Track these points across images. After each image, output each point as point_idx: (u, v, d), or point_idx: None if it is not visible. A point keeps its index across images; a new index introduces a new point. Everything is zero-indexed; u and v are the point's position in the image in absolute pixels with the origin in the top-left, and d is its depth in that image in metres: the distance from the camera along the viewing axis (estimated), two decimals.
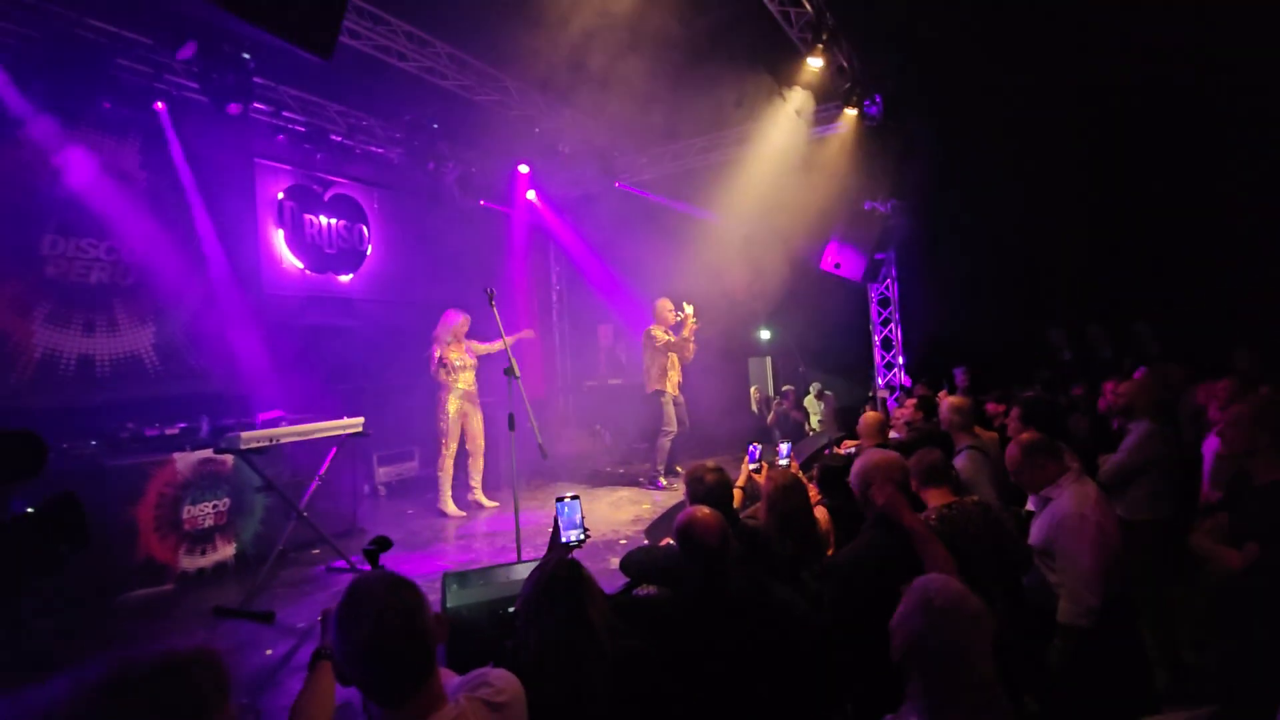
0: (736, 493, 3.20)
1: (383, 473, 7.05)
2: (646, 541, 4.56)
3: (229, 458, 4.58)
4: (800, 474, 3.37)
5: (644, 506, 5.76)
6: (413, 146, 7.70)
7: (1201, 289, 6.41)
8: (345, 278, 7.67)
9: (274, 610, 3.79)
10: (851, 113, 7.08)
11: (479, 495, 6.02)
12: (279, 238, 6.99)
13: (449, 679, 1.36)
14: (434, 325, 5.93)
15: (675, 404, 6.47)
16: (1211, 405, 3.75)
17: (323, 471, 4.65)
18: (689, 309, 6.38)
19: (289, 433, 4.37)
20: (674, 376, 6.48)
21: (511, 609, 2.03)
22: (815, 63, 6.30)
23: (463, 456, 5.95)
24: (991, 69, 6.67)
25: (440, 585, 2.83)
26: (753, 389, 9.91)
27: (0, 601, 1.80)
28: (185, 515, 4.46)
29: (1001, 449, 3.60)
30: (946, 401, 3.93)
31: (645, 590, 2.44)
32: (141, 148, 5.62)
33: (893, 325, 8.14)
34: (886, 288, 8.13)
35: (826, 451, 5.51)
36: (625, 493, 6.37)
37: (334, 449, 4.72)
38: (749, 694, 1.83)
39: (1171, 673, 2.99)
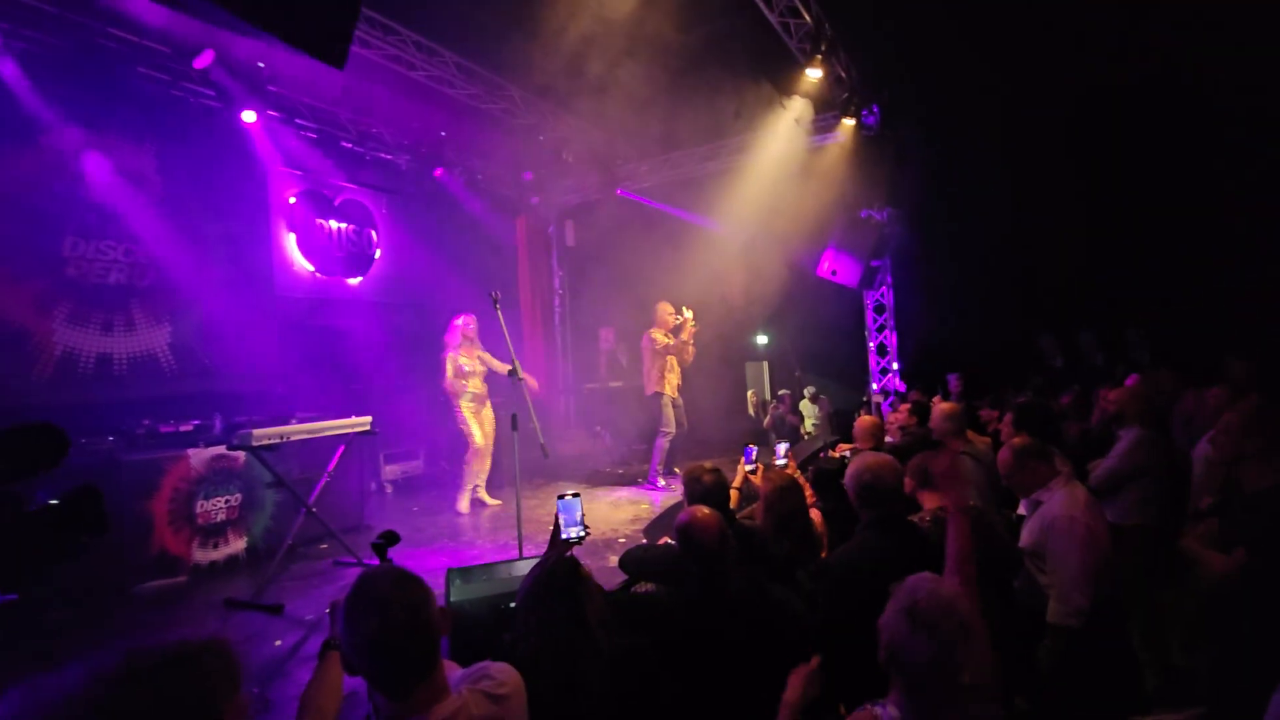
0: (732, 493, 3.23)
1: (389, 470, 7.17)
2: (645, 540, 4.66)
3: (241, 454, 4.69)
4: (798, 475, 3.43)
5: (642, 506, 5.87)
6: (420, 153, 7.86)
7: (1194, 295, 6.44)
8: (354, 281, 7.82)
9: (283, 603, 3.88)
10: (849, 122, 7.20)
11: (483, 493, 6.14)
12: (290, 241, 7.14)
13: (452, 671, 1.39)
14: (438, 327, 6.03)
15: (674, 406, 6.58)
16: (1201, 413, 3.78)
17: (331, 468, 4.77)
18: (688, 313, 6.49)
19: (299, 430, 4.47)
20: (673, 379, 6.59)
21: (513, 604, 2.12)
22: (814, 73, 6.42)
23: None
24: (986, 80, 6.78)
25: (444, 580, 2.94)
26: (750, 393, 10.01)
27: (25, 588, 1.91)
28: (198, 510, 4.58)
29: (994, 454, 3.71)
30: (938, 409, 3.94)
31: (644, 587, 2.53)
32: (159, 152, 5.76)
33: (887, 331, 8.23)
34: (882, 294, 8.23)
35: (822, 455, 5.62)
36: (624, 493, 6.47)
37: (342, 447, 4.83)
38: (744, 691, 1.86)
39: (1161, 675, 2.97)
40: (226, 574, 4.61)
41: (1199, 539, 2.61)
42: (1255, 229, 6.12)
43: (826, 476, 3.35)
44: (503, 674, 1.39)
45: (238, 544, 4.79)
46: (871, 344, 8.33)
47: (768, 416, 8.99)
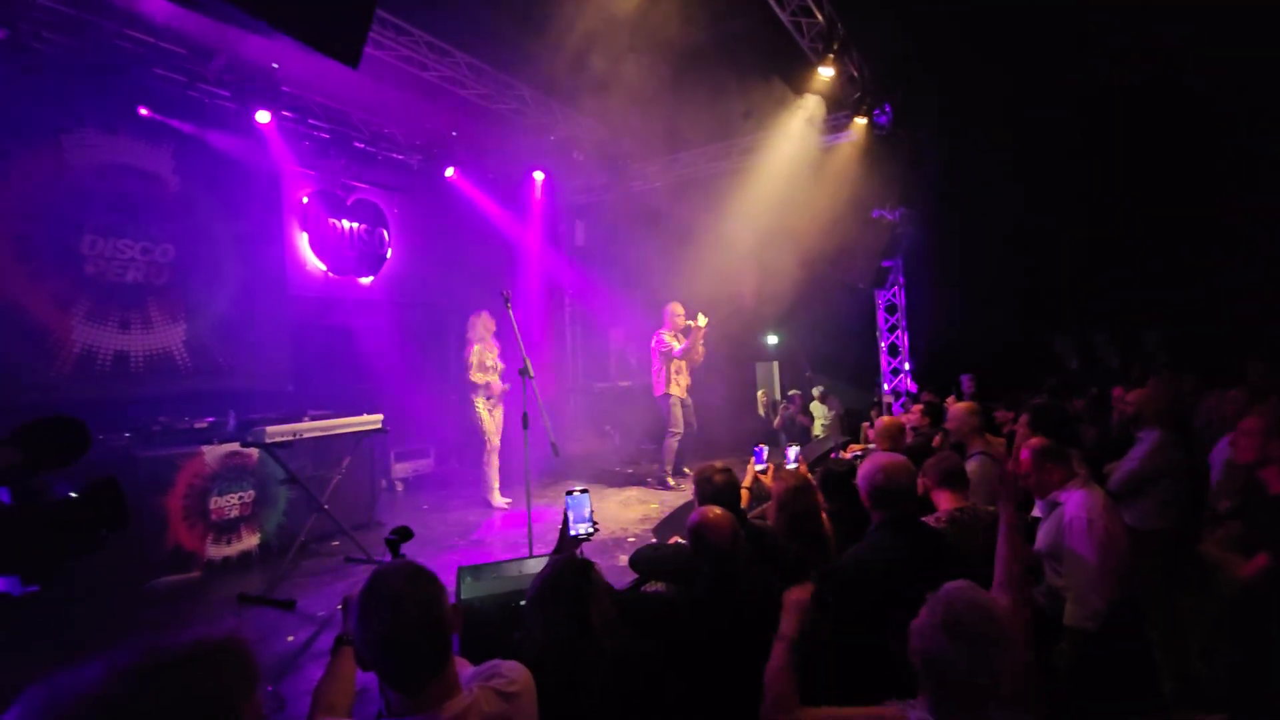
0: (743, 493, 3.24)
1: (399, 468, 7.22)
2: (655, 540, 4.66)
3: (254, 451, 4.74)
4: (809, 476, 3.42)
5: (652, 506, 5.87)
6: (432, 153, 7.91)
7: (1211, 296, 6.38)
8: (366, 280, 7.87)
9: (295, 599, 3.93)
10: (861, 122, 7.16)
11: (495, 494, 6.16)
12: (303, 241, 7.20)
13: (463, 668, 1.39)
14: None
15: (684, 406, 6.59)
16: (1220, 415, 3.72)
17: (344, 466, 4.81)
18: (702, 321, 6.44)
19: (311, 428, 4.51)
20: (682, 380, 6.60)
21: (523, 602, 2.12)
22: (826, 72, 6.40)
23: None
24: (999, 79, 6.73)
25: (455, 578, 2.96)
26: (760, 393, 9.98)
27: (47, 580, 1.93)
28: (212, 506, 4.64)
29: (1009, 456, 3.68)
30: (958, 406, 3.89)
31: (653, 587, 2.53)
32: (175, 153, 5.82)
33: (899, 332, 8.18)
34: (894, 294, 8.18)
35: (832, 455, 5.59)
36: (633, 492, 6.48)
37: (354, 445, 4.88)
38: (753, 691, 1.82)
39: (1180, 681, 2.95)
40: (240, 570, 4.67)
41: (1219, 543, 2.58)
42: (1270, 231, 6.05)
43: (835, 478, 3.34)
44: (513, 672, 1.40)
45: (251, 540, 4.84)
46: (883, 344, 8.28)
47: (778, 417, 8.96)
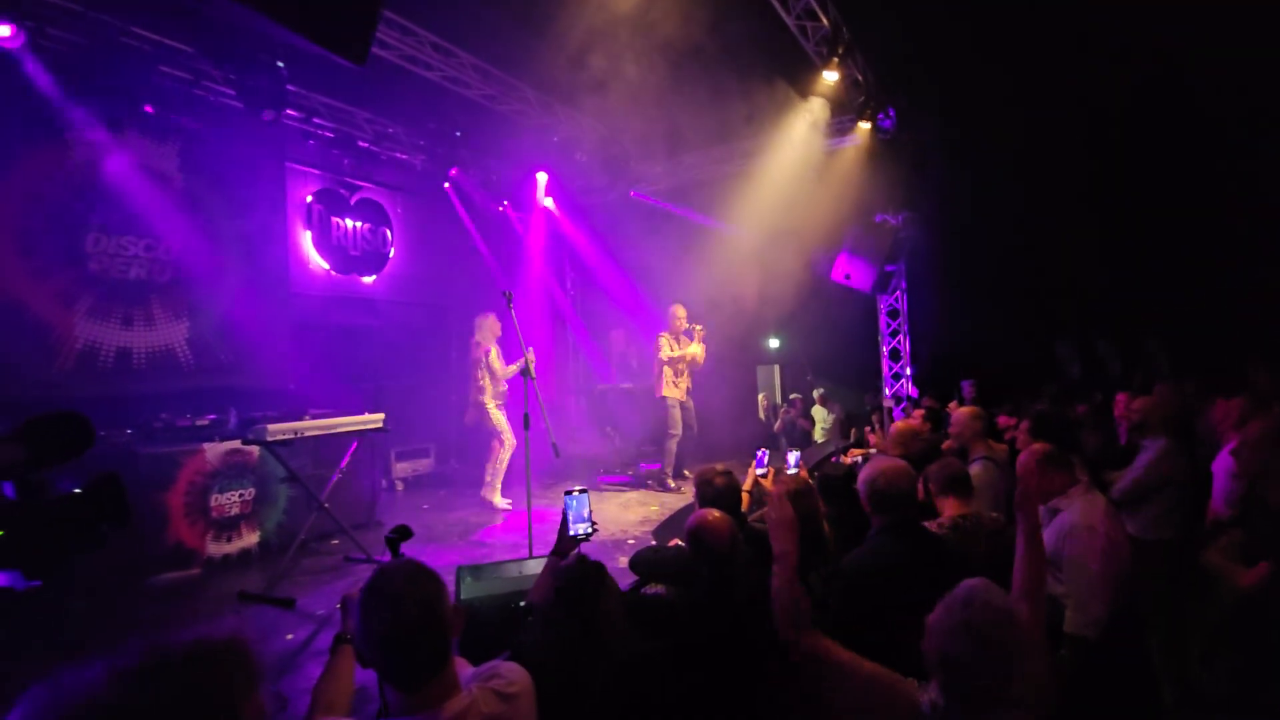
0: (744, 496, 3.23)
1: (400, 468, 7.22)
2: (654, 542, 4.66)
3: (255, 449, 4.74)
4: (809, 480, 3.42)
5: (652, 508, 5.87)
6: (436, 153, 7.92)
7: (1213, 302, 6.38)
8: (369, 279, 7.88)
9: (295, 597, 3.93)
10: (865, 126, 7.16)
11: (496, 495, 6.15)
12: (307, 239, 7.22)
13: (463, 669, 1.40)
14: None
15: (684, 409, 6.61)
16: (1223, 423, 3.70)
17: (344, 465, 4.81)
18: (695, 349, 6.59)
19: (313, 426, 4.52)
20: (682, 383, 6.64)
21: (523, 603, 2.12)
22: (831, 76, 6.41)
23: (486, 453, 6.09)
24: (1003, 84, 6.73)
25: (455, 577, 2.96)
26: (761, 396, 9.99)
27: (49, 575, 1.93)
28: (213, 503, 4.64)
29: (1011, 462, 3.67)
30: (962, 411, 3.87)
31: (653, 589, 2.53)
32: (180, 150, 5.84)
33: (901, 336, 8.18)
34: (896, 299, 8.18)
35: (833, 460, 5.60)
36: (633, 494, 6.48)
37: (355, 443, 4.88)
38: (752, 695, 1.85)
39: (1180, 688, 2.95)
40: (239, 567, 4.67)
41: (1221, 551, 2.57)
42: (1271, 235, 6.04)
43: (833, 482, 3.34)
44: (513, 673, 1.40)
45: (251, 538, 4.85)
46: (885, 349, 8.28)
47: (779, 420, 8.96)
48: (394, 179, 8.09)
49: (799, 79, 6.72)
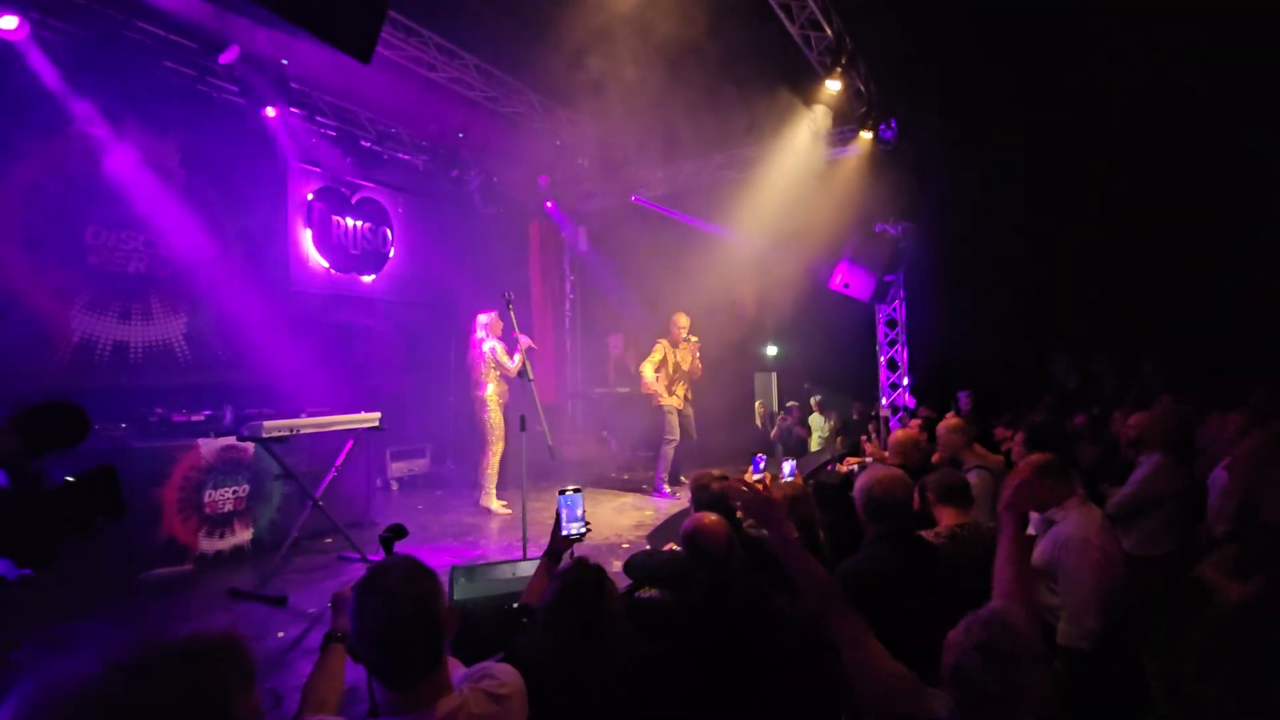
0: None
1: (395, 468, 7.20)
2: (649, 546, 4.66)
3: (250, 445, 4.73)
4: (806, 488, 3.42)
5: (647, 513, 5.86)
6: (438, 154, 7.94)
7: (1212, 318, 6.41)
8: (368, 278, 7.88)
9: (286, 595, 3.92)
10: (866, 136, 7.20)
11: (492, 498, 6.12)
12: (307, 237, 7.21)
13: (455, 669, 1.40)
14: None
15: (682, 416, 6.63)
16: (1221, 438, 3.69)
17: (339, 463, 4.80)
18: (692, 350, 6.62)
19: (308, 424, 4.51)
20: (678, 390, 6.65)
21: (515, 604, 2.11)
22: (834, 85, 6.45)
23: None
24: (1005, 98, 6.79)
25: (448, 578, 2.95)
26: (757, 403, 9.98)
27: (41, 565, 1.93)
28: (206, 499, 4.62)
29: (1007, 472, 3.67)
30: (941, 426, 3.93)
31: (647, 593, 2.53)
32: (182, 145, 5.84)
33: (899, 346, 8.20)
34: (894, 309, 8.20)
35: (829, 468, 5.60)
36: (629, 498, 6.47)
37: (350, 442, 4.87)
38: (747, 700, 1.86)
39: (1173, 702, 2.99)
40: (231, 564, 4.64)
41: (1216, 566, 2.58)
42: (1271, 250, 6.08)
43: (828, 490, 3.35)
44: (504, 674, 1.41)
45: (244, 535, 4.82)
46: (882, 358, 8.29)
47: (775, 428, 8.96)
48: (395, 179, 8.10)
49: (802, 88, 6.75)
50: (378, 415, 4.95)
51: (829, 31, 6.02)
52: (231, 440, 4.73)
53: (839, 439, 8.15)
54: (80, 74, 5.09)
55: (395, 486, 7.14)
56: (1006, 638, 1.33)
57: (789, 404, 9.07)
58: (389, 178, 8.04)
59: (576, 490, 2.34)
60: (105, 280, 5.32)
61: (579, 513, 2.30)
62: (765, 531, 2.81)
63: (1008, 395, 6.91)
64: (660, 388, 6.55)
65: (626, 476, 7.44)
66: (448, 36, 6.39)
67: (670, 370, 6.58)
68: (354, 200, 7.75)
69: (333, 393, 6.00)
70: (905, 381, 8.13)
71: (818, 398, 8.88)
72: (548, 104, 7.69)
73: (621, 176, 8.67)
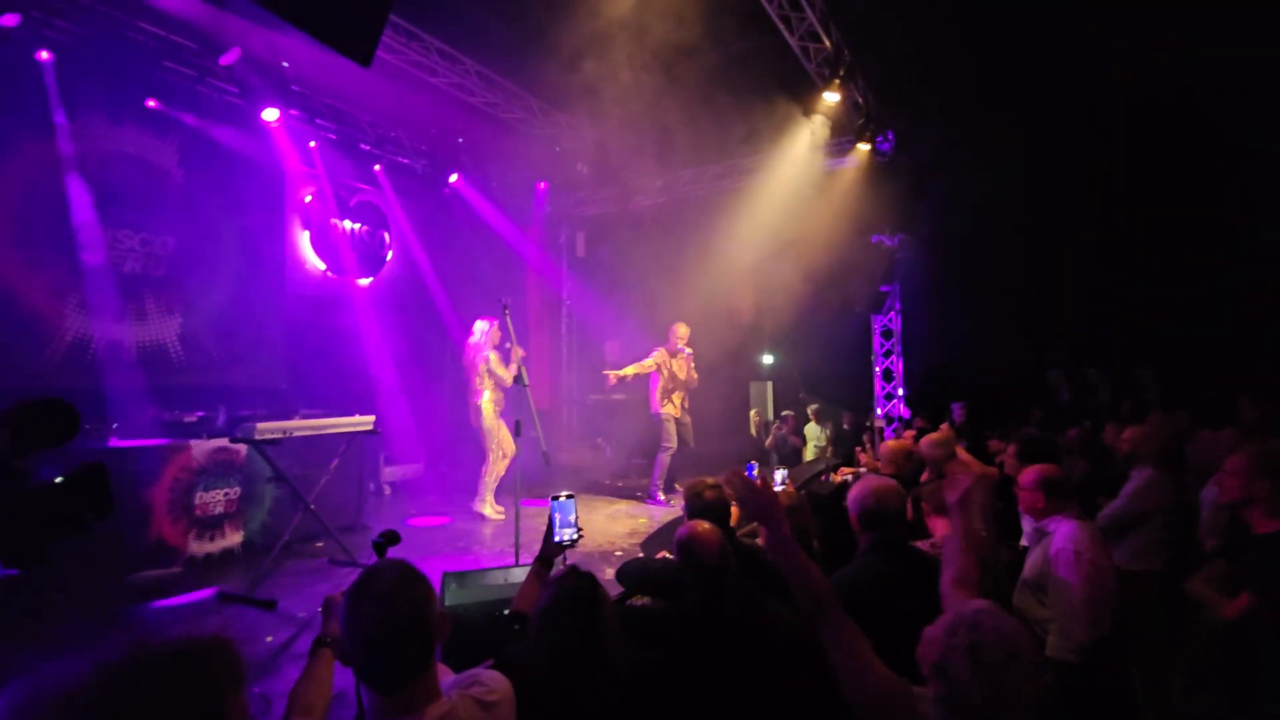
0: (733, 509, 3.28)
1: (388, 472, 7.17)
2: (642, 554, 4.64)
3: (242, 448, 4.70)
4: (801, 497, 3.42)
5: (640, 520, 5.85)
6: (437, 158, 7.96)
7: (1211, 320, 6.44)
8: (365, 281, 7.86)
9: (276, 599, 3.88)
10: (864, 148, 7.25)
11: (491, 504, 6.08)
12: (304, 239, 7.20)
13: (444, 675, 1.40)
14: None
15: (679, 425, 6.63)
16: (1213, 453, 3.71)
17: (332, 467, 4.77)
18: (686, 362, 6.66)
19: (302, 426, 4.49)
20: (676, 398, 6.66)
21: (507, 611, 2.10)
22: (832, 97, 6.49)
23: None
24: (1002, 111, 6.84)
25: (439, 584, 2.93)
26: (752, 412, 9.99)
27: (26, 564, 1.90)
28: (197, 501, 4.58)
29: (1001, 485, 3.68)
30: (925, 440, 3.92)
31: (640, 601, 2.51)
32: (180, 146, 5.83)
33: (894, 357, 8.23)
34: (890, 319, 8.23)
35: (822, 479, 5.60)
36: (623, 506, 6.46)
37: (344, 445, 4.85)
38: (741, 709, 1.85)
39: (1162, 717, 2.92)
40: (221, 567, 4.60)
41: (1206, 581, 2.58)
42: (1266, 268, 6.13)
43: (822, 500, 3.34)
44: (493, 681, 1.40)
45: (234, 538, 4.78)
46: (877, 369, 8.32)
47: (770, 437, 8.96)
48: (394, 182, 8.10)
49: (801, 96, 6.81)
50: (371, 419, 4.93)
51: (827, 43, 6.07)
52: (224, 442, 4.70)
53: (831, 449, 8.16)
54: (81, 72, 5.10)
55: (388, 491, 7.10)
56: (995, 639, 1.30)
57: (784, 413, 9.08)
58: (387, 181, 8.04)
59: (570, 496, 2.33)
60: (100, 279, 5.28)
61: (572, 519, 2.29)
62: (760, 533, 2.84)
63: (1002, 407, 6.93)
64: (657, 395, 6.55)
65: (621, 483, 7.43)
66: (449, 41, 6.42)
67: (666, 379, 6.58)
68: (352, 203, 7.75)
69: (327, 395, 5.98)
70: (900, 392, 8.15)
71: (815, 406, 8.89)
72: (547, 110, 7.72)
73: (620, 183, 8.70)
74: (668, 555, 2.76)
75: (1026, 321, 7.56)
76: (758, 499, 1.73)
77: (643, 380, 6.73)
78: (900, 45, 6.39)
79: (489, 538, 5.36)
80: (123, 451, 4.35)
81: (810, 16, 5.76)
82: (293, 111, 6.46)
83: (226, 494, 4.76)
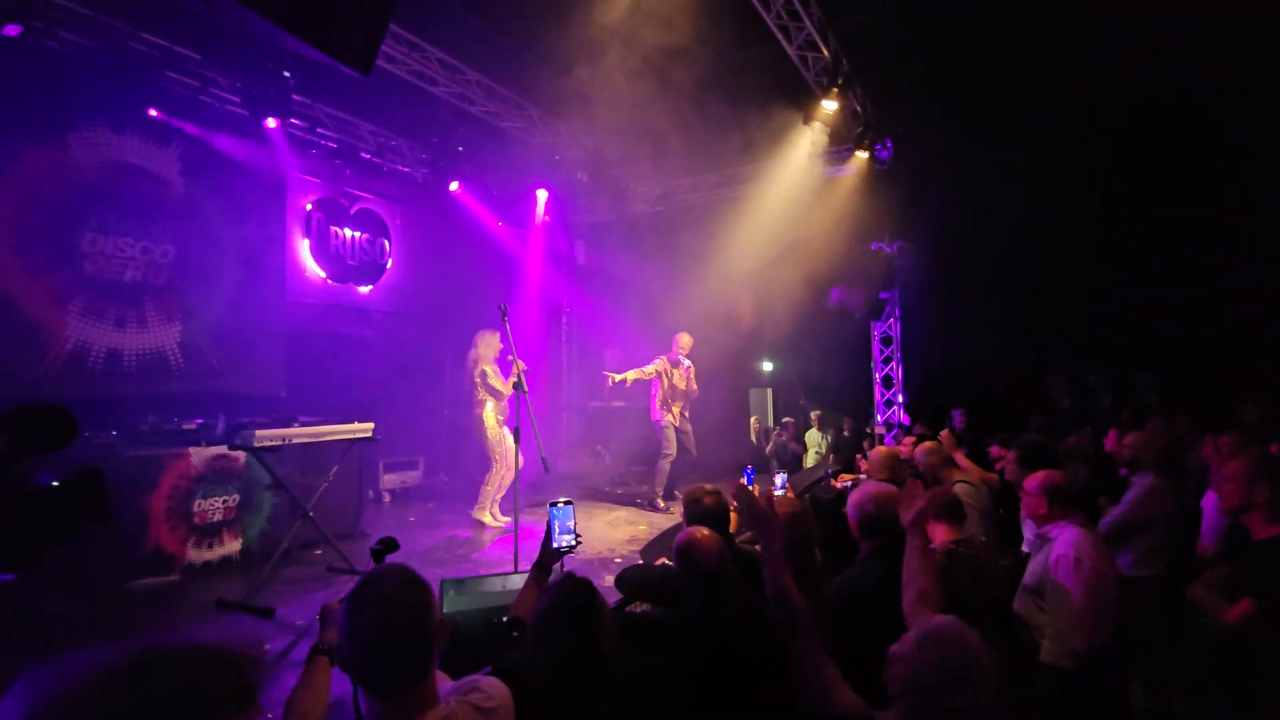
0: (732, 516, 3.26)
1: (387, 479, 7.16)
2: (641, 561, 4.62)
3: (241, 455, 4.71)
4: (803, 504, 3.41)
5: (640, 527, 5.83)
6: (438, 167, 7.99)
7: (1212, 320, 6.42)
8: (365, 289, 7.88)
9: (274, 606, 3.88)
10: (863, 155, 7.28)
11: (494, 513, 6.05)
12: (305, 247, 7.22)
13: (443, 682, 1.40)
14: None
15: (680, 432, 6.63)
16: (1214, 459, 3.69)
17: (331, 474, 4.77)
18: (686, 373, 6.70)
19: (301, 434, 4.49)
20: (675, 407, 6.67)
21: (505, 617, 2.09)
22: (830, 105, 6.53)
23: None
24: (1000, 120, 6.86)
25: (438, 590, 2.92)
26: (753, 419, 9.97)
27: (23, 569, 1.90)
28: (196, 508, 4.58)
29: (1002, 491, 3.68)
30: (919, 449, 3.90)
31: (639, 608, 2.50)
32: (182, 154, 5.86)
33: (894, 364, 8.23)
34: (889, 326, 8.24)
35: (822, 484, 5.59)
36: (622, 513, 6.44)
37: (343, 453, 4.84)
38: (740, 715, 1.84)
39: None
40: (219, 574, 4.60)
41: (1207, 587, 2.56)
42: (1267, 273, 6.13)
43: (823, 506, 3.34)
44: (492, 688, 1.40)
45: (232, 545, 4.77)
46: (877, 375, 8.32)
47: (770, 443, 8.94)
48: (394, 191, 8.14)
49: (800, 104, 6.84)
50: (370, 426, 4.93)
51: (826, 53, 6.11)
52: (223, 449, 4.70)
53: (832, 455, 8.14)
54: (83, 82, 5.14)
55: (387, 498, 7.09)
56: (960, 654, 1.35)
57: (784, 420, 9.07)
58: (388, 189, 8.08)
59: (568, 502, 2.33)
60: (100, 287, 5.30)
61: (570, 525, 2.29)
62: (758, 540, 2.83)
63: (1003, 413, 6.92)
64: (657, 403, 6.57)
65: (620, 490, 7.41)
66: (450, 52, 6.46)
67: (666, 389, 6.60)
68: (353, 211, 7.78)
69: (327, 403, 5.97)
70: (900, 398, 8.15)
71: (817, 412, 8.88)
72: (547, 119, 7.76)
73: (620, 191, 8.74)
74: (667, 562, 2.75)
75: (1027, 322, 7.54)
76: (753, 509, 1.74)
77: (643, 388, 6.74)
78: (899, 48, 6.40)
79: (488, 544, 5.34)
80: (121, 459, 4.35)
81: (809, 26, 5.80)
82: (294, 120, 6.50)
83: (225, 501, 4.76)
